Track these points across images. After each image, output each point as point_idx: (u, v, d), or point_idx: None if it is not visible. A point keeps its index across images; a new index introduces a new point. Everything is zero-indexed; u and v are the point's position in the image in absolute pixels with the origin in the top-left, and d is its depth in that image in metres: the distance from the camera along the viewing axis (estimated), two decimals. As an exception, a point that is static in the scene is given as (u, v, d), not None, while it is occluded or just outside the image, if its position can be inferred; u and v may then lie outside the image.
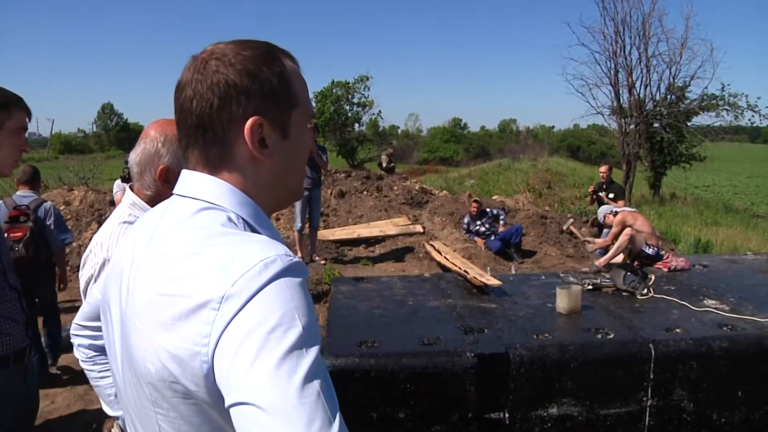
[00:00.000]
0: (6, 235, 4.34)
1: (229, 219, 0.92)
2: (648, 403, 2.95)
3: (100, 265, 1.74)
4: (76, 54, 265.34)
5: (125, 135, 77.40)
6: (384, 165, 19.52)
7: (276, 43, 1.02)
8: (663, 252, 5.36)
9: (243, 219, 0.94)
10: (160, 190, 1.82)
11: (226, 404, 0.77)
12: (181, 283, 0.84)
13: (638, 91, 22.70)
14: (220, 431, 0.87)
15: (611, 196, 9.03)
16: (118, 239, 1.75)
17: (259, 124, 0.94)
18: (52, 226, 4.99)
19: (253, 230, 0.95)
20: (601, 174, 9.40)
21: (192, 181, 0.97)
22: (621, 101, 22.91)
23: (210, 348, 0.79)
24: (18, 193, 5.10)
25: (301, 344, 0.76)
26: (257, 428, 0.72)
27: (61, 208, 11.13)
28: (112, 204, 10.91)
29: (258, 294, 0.79)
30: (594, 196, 9.46)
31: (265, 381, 0.73)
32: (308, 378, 0.74)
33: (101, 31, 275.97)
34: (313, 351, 0.78)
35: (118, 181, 7.70)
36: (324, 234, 10.97)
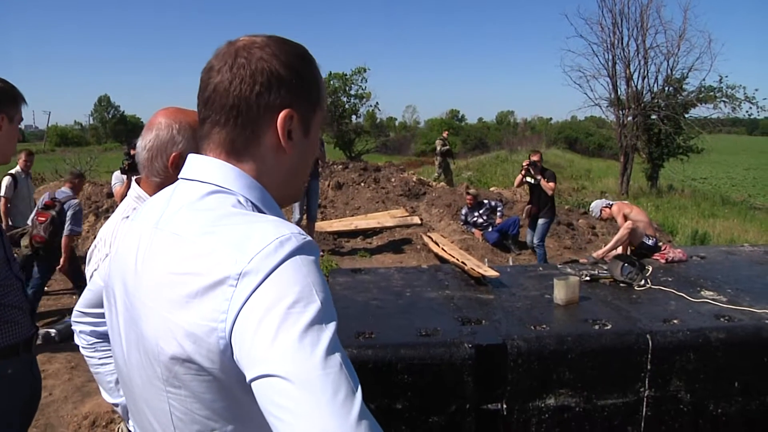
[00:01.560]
0: (36, 217, 6.22)
1: (238, 201, 0.94)
2: (645, 394, 2.95)
3: (101, 261, 1.74)
4: (72, 46, 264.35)
5: (122, 127, 77.28)
6: (438, 149, 18.68)
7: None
8: (661, 243, 5.37)
9: (251, 202, 0.96)
10: (170, 176, 1.80)
11: (248, 378, 0.78)
12: (195, 261, 0.86)
13: (636, 82, 22.68)
14: (233, 407, 0.89)
15: (546, 179, 8.81)
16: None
17: (290, 116, 0.97)
18: (68, 218, 6.25)
19: (261, 213, 0.96)
20: (533, 161, 9.09)
21: (200, 166, 0.99)
22: (619, 93, 22.87)
23: (228, 324, 0.81)
24: (61, 188, 6.61)
25: (320, 318, 0.78)
26: (283, 399, 0.74)
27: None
28: (110, 196, 10.90)
29: (276, 270, 0.81)
30: (525, 176, 9.10)
31: (288, 353, 0.75)
32: (330, 350, 0.76)
33: (98, 22, 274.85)
34: (332, 325, 0.80)
35: (117, 173, 7.69)
36: (321, 226, 10.97)
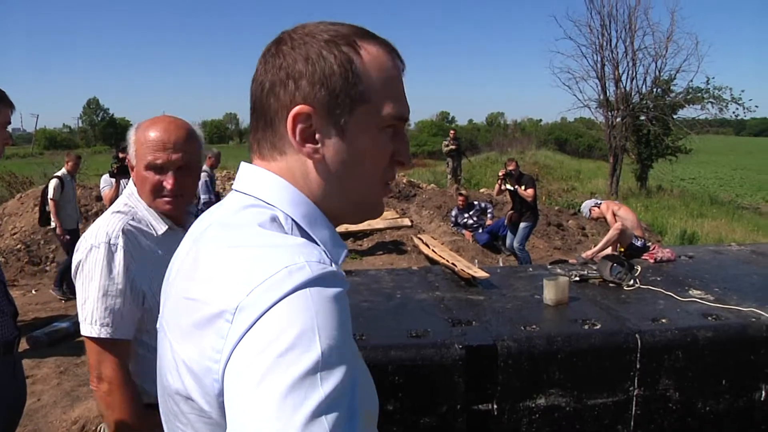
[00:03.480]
0: None
1: (273, 219, 0.83)
2: (634, 393, 2.97)
3: (87, 250, 1.77)
4: (61, 49, 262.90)
5: (112, 130, 76.93)
6: (444, 151, 17.71)
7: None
8: (650, 243, 5.40)
9: (292, 219, 0.85)
10: (134, 182, 1.92)
11: None
12: (204, 287, 0.77)
13: (624, 84, 22.85)
14: None
15: (523, 187, 8.86)
16: (107, 226, 1.80)
17: (306, 114, 0.84)
18: None
19: (303, 233, 0.85)
20: (509, 170, 9.11)
21: (245, 174, 0.91)
22: (607, 94, 23.01)
23: (221, 365, 0.70)
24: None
25: (315, 371, 0.64)
26: None
27: (47, 203, 11.06)
28: (99, 199, 10.86)
29: (275, 306, 0.68)
30: (502, 185, 9.15)
31: (266, 414, 0.62)
32: (316, 413, 0.62)
33: (87, 25, 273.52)
34: (331, 382, 0.64)
35: (106, 176, 7.69)
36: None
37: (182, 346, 0.78)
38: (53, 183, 7.84)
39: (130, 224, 1.82)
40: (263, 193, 0.87)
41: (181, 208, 1.94)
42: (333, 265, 0.75)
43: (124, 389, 1.76)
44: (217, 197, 9.68)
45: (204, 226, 0.90)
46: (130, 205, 1.89)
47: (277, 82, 0.85)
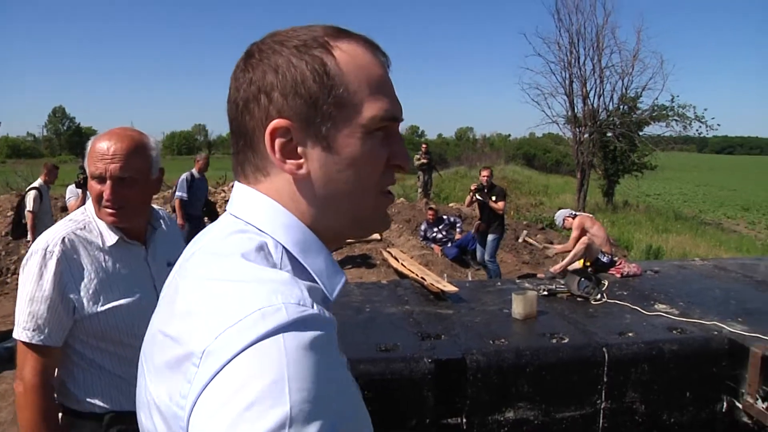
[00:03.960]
0: None
1: (260, 248, 0.75)
2: (602, 406, 3.00)
3: (28, 256, 1.78)
4: (26, 56, 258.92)
5: (77, 139, 75.86)
6: (416, 165, 17.00)
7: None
8: (616, 258, 5.48)
9: (283, 247, 0.78)
10: None
11: None
12: (177, 324, 0.70)
13: (592, 101, 23.21)
14: None
15: (494, 198, 8.96)
16: (49, 234, 1.81)
17: (283, 128, 0.77)
18: None
19: (295, 262, 0.78)
20: (482, 177, 9.23)
21: (237, 196, 0.84)
22: (575, 111, 23.34)
23: (186, 412, 0.63)
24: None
25: (282, 428, 0.56)
26: None
27: (9, 214, 10.81)
28: (64, 210, 10.66)
29: (243, 353, 0.60)
30: (474, 197, 9.24)
31: None
32: None
33: (54, 32, 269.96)
34: None
35: (72, 187, 7.57)
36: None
37: (155, 385, 0.71)
38: (32, 195, 7.62)
39: (76, 233, 1.81)
40: (254, 217, 0.80)
41: (128, 220, 1.89)
42: (315, 306, 0.67)
43: (39, 392, 1.75)
44: (208, 203, 9.64)
45: (191, 251, 0.83)
46: (86, 214, 1.89)
47: (250, 98, 0.79)
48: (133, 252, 1.92)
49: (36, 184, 7.85)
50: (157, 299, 0.84)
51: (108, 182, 1.81)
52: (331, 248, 0.85)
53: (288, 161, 0.78)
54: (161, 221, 2.06)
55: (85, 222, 1.86)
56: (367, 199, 0.83)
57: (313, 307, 0.66)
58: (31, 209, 7.56)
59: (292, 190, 0.80)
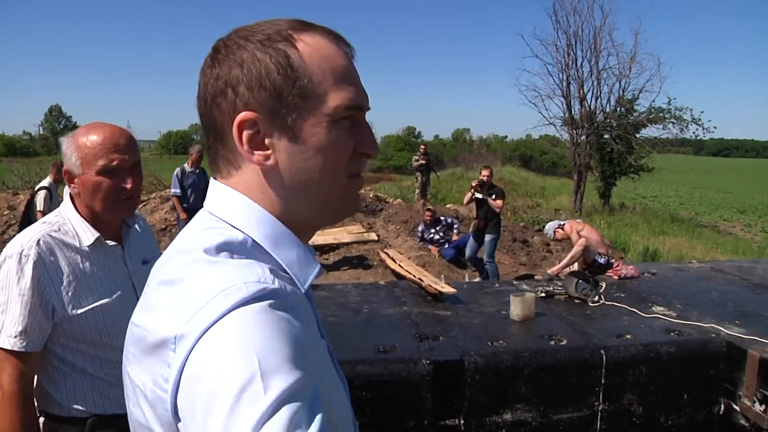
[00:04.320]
0: None
1: (229, 242, 0.78)
2: (600, 408, 3.00)
3: (2, 261, 1.74)
4: (23, 55, 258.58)
5: (74, 139, 75.51)
6: (414, 165, 17.32)
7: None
8: (613, 260, 5.48)
9: (254, 241, 0.80)
10: (72, 190, 1.86)
11: None
12: (151, 314, 0.74)
13: (589, 102, 23.21)
14: None
15: (493, 196, 8.96)
16: (23, 237, 1.76)
17: (251, 120, 0.79)
18: None
19: (266, 255, 0.81)
20: (483, 176, 9.25)
21: (212, 193, 0.86)
22: (572, 112, 23.36)
23: (169, 395, 0.67)
24: None
25: (252, 381, 0.60)
26: None
27: (6, 213, 10.81)
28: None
29: (210, 330, 0.65)
30: (474, 193, 9.22)
31: None
32: (264, 418, 0.59)
33: (51, 32, 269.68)
34: (277, 387, 0.61)
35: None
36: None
37: (138, 373, 0.75)
38: (42, 195, 7.65)
39: (51, 235, 1.77)
40: (226, 213, 0.83)
41: (134, 210, 1.91)
42: (276, 282, 0.72)
43: (18, 399, 1.71)
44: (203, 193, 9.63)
45: (169, 250, 0.85)
46: (60, 216, 1.85)
47: (217, 92, 0.81)
48: (111, 252, 1.88)
49: (45, 183, 7.88)
50: (137, 298, 0.86)
51: (129, 172, 1.81)
52: (305, 238, 0.88)
53: (256, 152, 0.80)
54: (134, 219, 2.03)
55: (60, 224, 1.82)
56: (335, 186, 0.85)
57: (274, 282, 0.71)
58: (41, 209, 7.58)
59: (262, 182, 0.82)
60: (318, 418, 0.63)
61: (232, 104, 0.80)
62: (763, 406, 2.94)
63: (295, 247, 0.84)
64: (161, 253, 0.87)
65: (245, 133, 0.79)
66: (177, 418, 0.67)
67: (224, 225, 0.81)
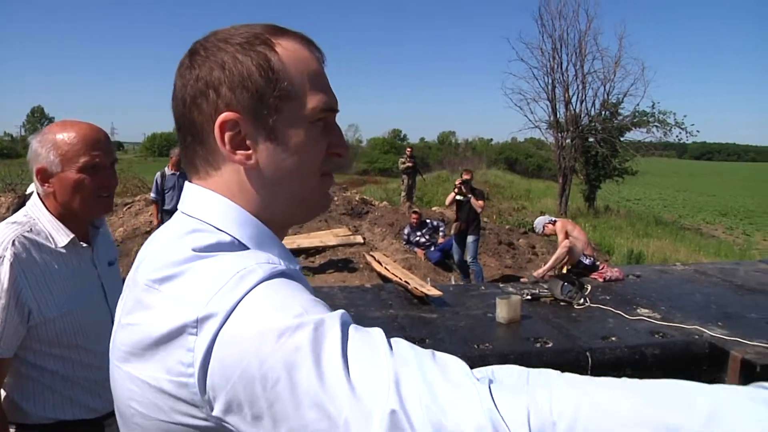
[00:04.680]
0: None
1: (218, 243, 0.79)
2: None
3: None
4: (4, 55, 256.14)
5: (57, 141, 74.97)
6: (400, 168, 17.41)
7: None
8: (598, 263, 5.52)
9: (239, 242, 0.81)
10: (46, 190, 1.80)
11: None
12: (149, 311, 0.73)
13: (574, 106, 23.36)
14: None
15: (476, 197, 9.07)
16: (3, 236, 1.70)
17: (233, 121, 0.80)
18: None
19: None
20: (465, 177, 9.35)
21: (189, 195, 0.87)
22: (557, 116, 23.50)
23: (196, 378, 0.67)
24: None
25: (314, 333, 0.65)
26: None
27: (-12, 216, 10.72)
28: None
29: (238, 306, 0.67)
30: (456, 196, 9.29)
31: (325, 389, 0.62)
32: (345, 360, 0.64)
33: (32, 33, 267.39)
34: (331, 329, 0.67)
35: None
36: (264, 244, 10.82)
37: (141, 371, 0.73)
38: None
39: (24, 236, 1.71)
40: (208, 215, 0.83)
41: (110, 208, 1.89)
42: (283, 263, 0.76)
43: None
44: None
45: (147, 251, 0.85)
46: (30, 216, 1.79)
47: (197, 93, 0.82)
48: (82, 253, 1.84)
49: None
50: (107, 301, 0.86)
51: (109, 169, 1.80)
52: (281, 236, 0.90)
53: (238, 152, 0.82)
54: (101, 220, 2.00)
55: (31, 224, 1.76)
56: (310, 184, 0.88)
57: (281, 264, 0.76)
58: None
59: (242, 181, 0.84)
60: (377, 331, 0.71)
61: (214, 105, 0.81)
62: (746, 408, 2.97)
63: (277, 246, 0.86)
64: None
65: (228, 134, 0.81)
66: (205, 393, 0.67)
67: (209, 227, 0.82)
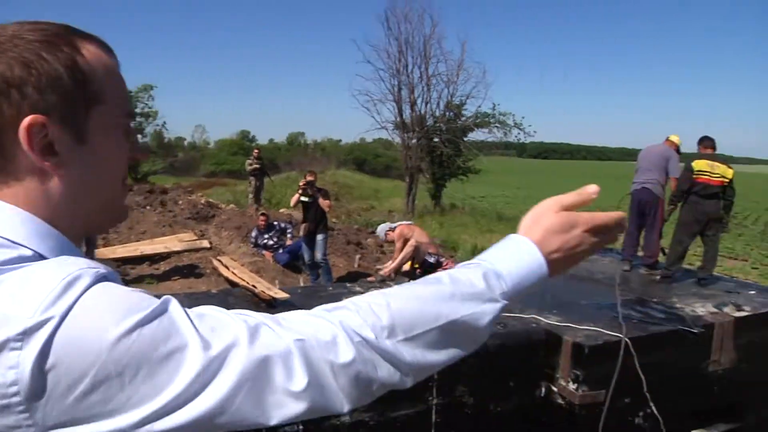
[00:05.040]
0: None
1: (21, 258, 0.72)
2: (434, 402, 3.07)
3: None
4: None
5: None
6: (247, 170, 17.17)
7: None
8: (443, 259, 5.69)
9: (40, 256, 0.74)
10: None
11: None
12: None
13: (419, 107, 24.16)
14: None
15: (322, 197, 9.30)
16: None
17: (40, 124, 0.74)
18: None
19: None
20: (308, 178, 9.57)
21: None
22: (404, 117, 24.19)
23: (23, 395, 0.61)
24: None
25: (154, 319, 0.67)
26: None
27: None
28: None
29: (71, 312, 0.63)
30: (301, 195, 9.44)
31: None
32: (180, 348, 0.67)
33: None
34: (163, 321, 0.68)
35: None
36: (104, 252, 10.23)
37: None
38: None
39: None
40: (5, 230, 0.74)
41: None
42: (102, 268, 0.72)
43: None
44: None
45: None
46: None
47: None
48: None
49: None
50: None
51: None
52: (78, 245, 0.85)
53: (46, 158, 0.76)
54: None
55: None
56: (115, 191, 0.86)
57: (99, 269, 0.71)
58: None
59: (46, 191, 0.78)
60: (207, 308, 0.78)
61: (17, 106, 0.73)
62: (575, 385, 3.19)
63: (79, 256, 0.78)
64: None
65: (35, 138, 0.74)
66: (33, 407, 0.62)
67: (7, 243, 0.73)
